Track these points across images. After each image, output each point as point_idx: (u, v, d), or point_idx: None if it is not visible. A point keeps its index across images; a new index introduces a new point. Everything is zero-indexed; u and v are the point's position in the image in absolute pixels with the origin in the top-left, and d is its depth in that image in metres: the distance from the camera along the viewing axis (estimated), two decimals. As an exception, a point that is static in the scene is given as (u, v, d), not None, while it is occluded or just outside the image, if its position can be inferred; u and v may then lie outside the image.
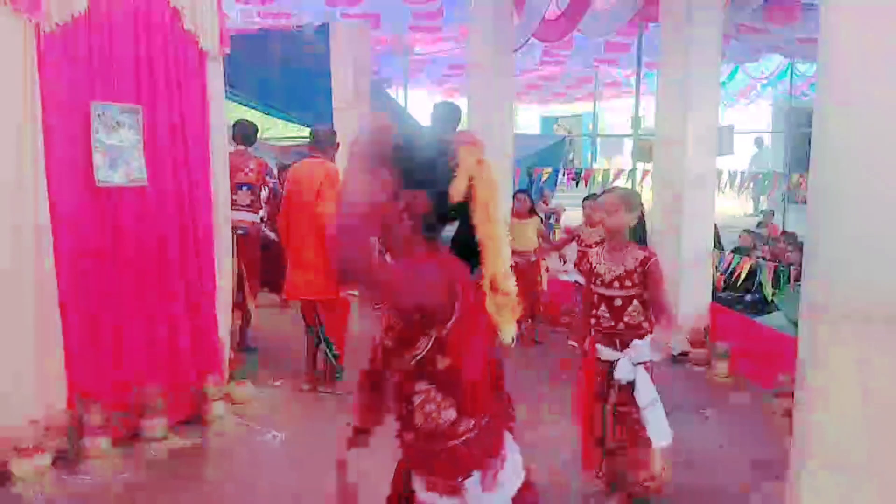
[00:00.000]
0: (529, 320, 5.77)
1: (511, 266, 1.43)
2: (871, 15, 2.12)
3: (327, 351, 4.62)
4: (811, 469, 2.28)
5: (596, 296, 2.99)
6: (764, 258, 6.58)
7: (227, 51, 4.33)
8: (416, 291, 1.36)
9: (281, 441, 4.03)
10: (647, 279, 2.90)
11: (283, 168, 6.89)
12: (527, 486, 1.57)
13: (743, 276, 5.99)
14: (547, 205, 12.58)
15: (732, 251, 6.70)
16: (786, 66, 11.01)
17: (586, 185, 8.64)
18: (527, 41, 6.87)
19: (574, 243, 5.70)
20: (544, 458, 3.09)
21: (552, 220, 12.08)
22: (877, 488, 2.18)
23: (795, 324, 3.99)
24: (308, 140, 4.88)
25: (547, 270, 6.09)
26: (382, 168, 1.32)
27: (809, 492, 2.30)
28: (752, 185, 7.76)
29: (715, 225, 6.34)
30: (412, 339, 1.43)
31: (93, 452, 3.62)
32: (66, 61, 3.51)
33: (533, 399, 4.52)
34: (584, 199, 5.94)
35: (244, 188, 5.28)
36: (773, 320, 5.57)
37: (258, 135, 6.04)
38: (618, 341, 2.96)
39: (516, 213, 5.80)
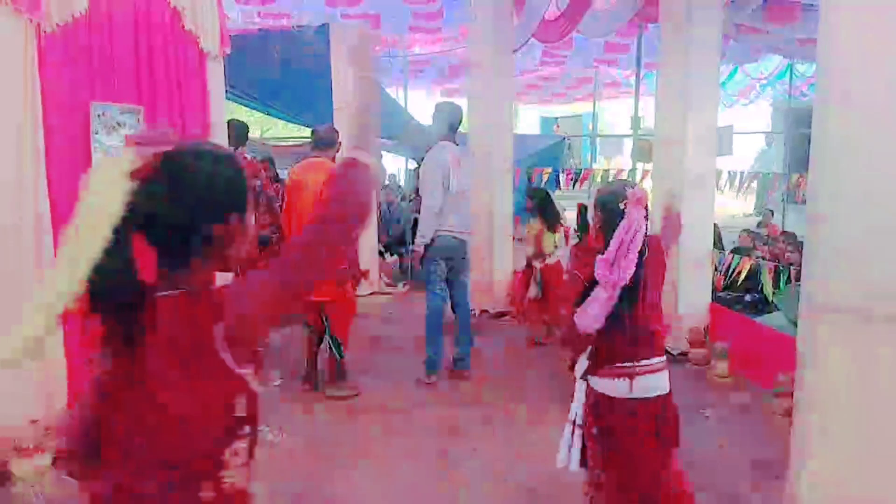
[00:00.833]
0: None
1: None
2: (871, 15, 2.12)
3: (336, 351, 4.60)
4: (811, 469, 2.28)
5: None
6: (764, 258, 6.59)
7: (227, 51, 4.34)
8: None
9: (280, 441, 4.03)
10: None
11: (265, 160, 6.87)
12: None
13: (743, 277, 6.00)
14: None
15: (732, 251, 6.71)
16: (785, 66, 11.03)
17: (581, 185, 8.64)
18: (527, 41, 6.88)
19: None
20: (546, 457, 3.09)
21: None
22: (877, 487, 2.19)
23: (795, 324, 4.00)
24: (311, 139, 4.87)
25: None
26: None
27: (809, 492, 2.30)
28: (754, 184, 7.77)
29: (716, 225, 6.35)
30: None
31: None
32: (66, 61, 3.52)
33: (535, 399, 4.54)
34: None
35: None
36: (773, 320, 5.57)
37: (252, 134, 6.04)
38: None
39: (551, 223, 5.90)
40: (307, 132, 10.84)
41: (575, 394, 2.68)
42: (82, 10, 3.49)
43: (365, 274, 4.96)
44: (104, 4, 3.63)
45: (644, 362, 2.51)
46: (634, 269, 2.37)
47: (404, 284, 8.35)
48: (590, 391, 2.61)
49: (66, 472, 1.26)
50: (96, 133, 3.67)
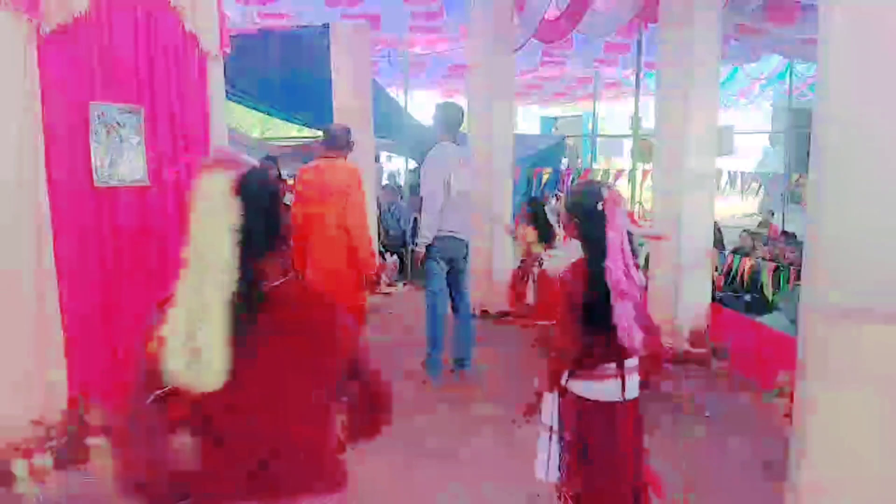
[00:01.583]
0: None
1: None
2: (871, 15, 2.12)
3: None
4: (811, 469, 2.28)
5: None
6: (764, 258, 6.59)
7: (228, 51, 4.33)
8: None
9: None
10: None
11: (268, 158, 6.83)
12: None
13: (743, 277, 5.99)
14: (546, 205, 12.59)
15: (732, 251, 6.71)
16: (785, 66, 11.02)
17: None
18: (527, 41, 6.88)
19: None
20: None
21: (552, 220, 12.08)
22: (877, 487, 2.19)
23: (795, 324, 4.00)
24: (323, 139, 4.72)
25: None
26: None
27: (809, 492, 2.30)
28: (756, 184, 7.76)
29: (717, 225, 6.35)
30: None
31: (93, 452, 3.62)
32: (66, 61, 3.52)
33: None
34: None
35: None
36: (773, 320, 5.57)
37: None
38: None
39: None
40: (307, 132, 10.85)
41: (548, 401, 2.63)
42: (82, 10, 3.49)
43: (379, 270, 4.85)
44: (104, 4, 3.63)
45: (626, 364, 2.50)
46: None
47: (404, 284, 8.35)
48: (569, 396, 2.55)
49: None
50: (96, 133, 3.67)
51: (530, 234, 5.98)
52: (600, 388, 2.51)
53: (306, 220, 4.43)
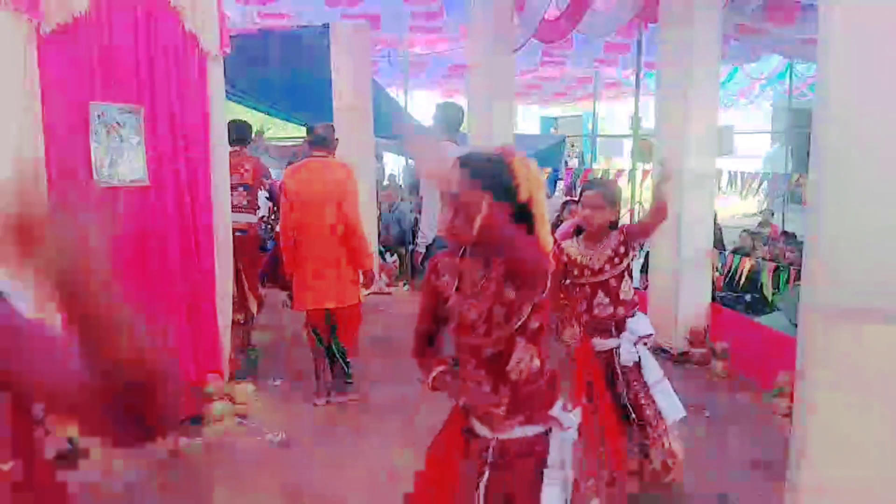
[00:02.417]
0: None
1: None
2: (871, 15, 2.12)
3: (342, 360, 4.51)
4: (811, 469, 2.28)
5: (588, 287, 3.01)
6: (764, 258, 6.59)
7: (228, 51, 4.33)
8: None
9: (281, 441, 4.03)
10: (633, 233, 3.06)
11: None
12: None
13: (743, 277, 6.00)
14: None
15: (732, 251, 6.71)
16: (785, 66, 11.02)
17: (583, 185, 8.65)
18: (527, 41, 6.88)
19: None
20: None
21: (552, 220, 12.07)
22: (877, 487, 2.19)
23: (795, 324, 4.00)
24: (309, 139, 4.73)
25: None
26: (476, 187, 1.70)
27: (809, 492, 2.30)
28: (759, 184, 7.75)
29: (718, 225, 6.35)
30: (519, 308, 1.80)
31: (93, 452, 3.62)
32: (66, 61, 3.51)
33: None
34: (563, 203, 5.97)
35: (240, 189, 5.22)
36: (773, 320, 5.58)
37: (262, 135, 5.97)
38: (613, 328, 3.03)
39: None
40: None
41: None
42: (82, 10, 3.49)
43: (380, 271, 4.86)
44: (104, 4, 3.63)
45: None
46: None
47: (404, 284, 8.35)
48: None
49: None
50: (96, 133, 3.67)
51: None
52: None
53: (301, 218, 4.36)
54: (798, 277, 4.97)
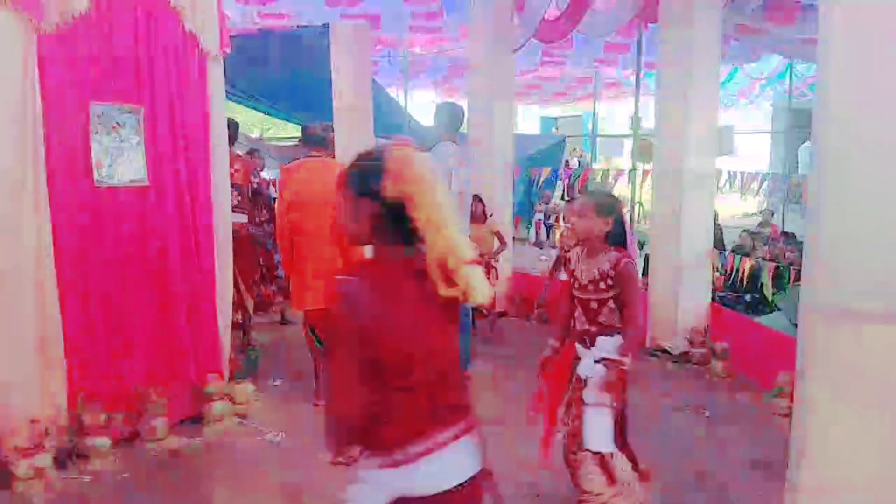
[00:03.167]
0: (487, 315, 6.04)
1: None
2: (871, 15, 2.12)
3: None
4: (811, 469, 2.28)
5: (575, 298, 2.99)
6: (764, 258, 6.59)
7: (228, 51, 4.32)
8: None
9: (281, 441, 4.03)
10: (617, 280, 2.84)
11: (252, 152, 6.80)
12: None
13: (743, 277, 5.99)
14: (547, 204, 12.61)
15: (732, 251, 6.71)
16: (785, 66, 11.02)
17: (582, 185, 8.66)
18: (527, 41, 6.88)
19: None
20: (515, 452, 3.09)
21: (552, 220, 12.12)
22: (877, 487, 2.19)
23: (795, 324, 4.00)
24: (305, 138, 4.61)
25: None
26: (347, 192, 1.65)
27: (809, 492, 2.30)
28: (756, 184, 7.74)
29: (719, 225, 6.35)
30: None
31: (93, 452, 3.62)
32: (66, 61, 3.52)
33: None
34: (566, 203, 5.99)
35: (231, 189, 5.19)
36: (773, 320, 5.58)
37: (252, 134, 5.94)
38: (587, 339, 2.94)
39: (472, 219, 5.61)
40: (307, 132, 10.84)
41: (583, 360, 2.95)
42: (82, 10, 3.49)
43: None
44: (104, 4, 3.63)
45: None
46: None
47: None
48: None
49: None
50: (96, 133, 3.67)
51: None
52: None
53: (299, 218, 4.33)
54: (798, 277, 4.97)
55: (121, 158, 3.78)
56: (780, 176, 8.47)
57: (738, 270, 5.79)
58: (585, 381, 2.91)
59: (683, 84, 5.34)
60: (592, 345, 2.92)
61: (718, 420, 4.35)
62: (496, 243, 5.95)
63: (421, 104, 14.14)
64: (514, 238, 7.29)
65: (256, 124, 17.54)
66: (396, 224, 1.56)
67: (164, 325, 4.03)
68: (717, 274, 6.16)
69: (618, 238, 2.93)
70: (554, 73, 11.91)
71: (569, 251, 3.13)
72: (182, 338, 4.10)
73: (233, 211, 5.16)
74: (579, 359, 2.99)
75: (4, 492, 3.30)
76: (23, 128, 3.34)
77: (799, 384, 2.39)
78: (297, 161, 4.61)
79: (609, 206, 2.93)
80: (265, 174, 7.27)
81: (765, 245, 7.80)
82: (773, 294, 5.89)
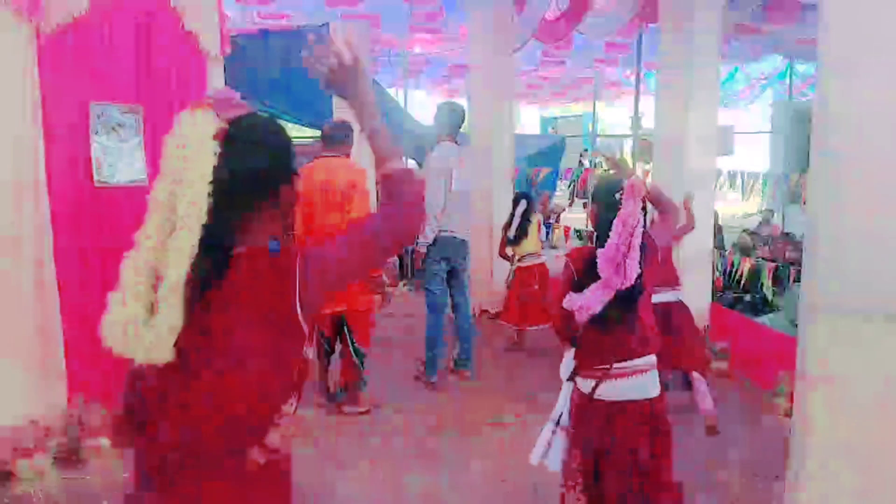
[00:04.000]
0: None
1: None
2: (870, 14, 2.12)
3: (359, 362, 4.35)
4: (811, 469, 2.28)
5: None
6: (764, 258, 6.59)
7: (228, 51, 4.32)
8: None
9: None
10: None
11: None
12: None
13: (743, 277, 6.00)
14: (547, 205, 12.61)
15: (732, 251, 6.71)
16: (785, 66, 11.03)
17: (582, 186, 8.67)
18: (527, 41, 6.88)
19: None
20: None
21: (551, 220, 12.12)
22: (877, 487, 2.19)
23: (795, 324, 4.00)
24: (323, 137, 4.49)
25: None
26: None
27: (809, 492, 2.30)
28: (757, 184, 7.74)
29: (719, 225, 6.35)
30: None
31: (93, 452, 3.62)
32: (66, 61, 3.52)
33: (536, 398, 4.54)
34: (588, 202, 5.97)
35: None
36: (773, 320, 5.58)
37: None
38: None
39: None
40: (308, 132, 10.85)
41: (561, 394, 2.65)
42: (82, 10, 3.49)
43: (384, 295, 4.78)
44: (104, 4, 3.63)
45: (623, 364, 2.46)
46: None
47: (404, 284, 8.34)
48: (575, 392, 2.59)
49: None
50: (96, 133, 3.67)
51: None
52: (585, 385, 2.53)
53: (310, 219, 4.24)
54: (798, 277, 4.97)
55: (121, 158, 3.78)
56: (780, 176, 8.48)
57: (737, 270, 5.80)
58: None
59: (683, 84, 5.34)
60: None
61: (718, 420, 4.35)
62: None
63: (421, 104, 14.15)
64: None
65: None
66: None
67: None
68: (716, 274, 6.16)
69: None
70: (554, 73, 11.92)
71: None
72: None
73: None
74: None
75: (5, 492, 3.30)
76: (22, 128, 3.34)
77: (799, 384, 2.38)
78: (311, 162, 4.47)
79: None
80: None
81: (765, 245, 7.80)
82: (773, 294, 5.88)
